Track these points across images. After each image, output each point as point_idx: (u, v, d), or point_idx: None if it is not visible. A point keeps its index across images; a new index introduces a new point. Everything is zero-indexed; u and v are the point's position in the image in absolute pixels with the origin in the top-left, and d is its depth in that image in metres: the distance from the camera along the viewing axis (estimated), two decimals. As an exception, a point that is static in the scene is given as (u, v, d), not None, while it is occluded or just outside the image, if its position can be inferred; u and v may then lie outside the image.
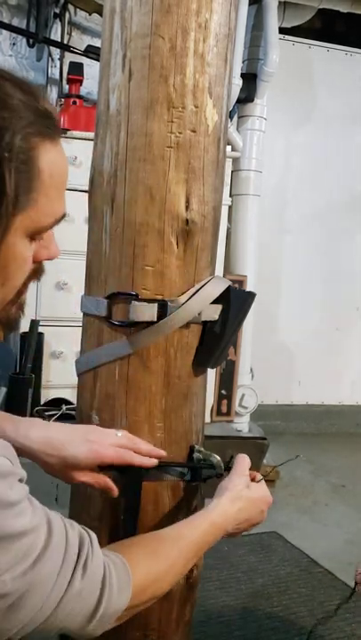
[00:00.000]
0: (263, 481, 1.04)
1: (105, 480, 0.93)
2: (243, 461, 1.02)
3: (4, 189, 0.62)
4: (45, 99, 0.68)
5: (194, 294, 1.01)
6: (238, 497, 0.97)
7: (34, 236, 0.69)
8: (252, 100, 3.33)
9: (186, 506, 1.07)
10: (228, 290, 1.04)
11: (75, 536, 0.72)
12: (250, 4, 3.23)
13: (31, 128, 0.64)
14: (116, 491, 0.94)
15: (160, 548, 0.85)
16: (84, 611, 0.71)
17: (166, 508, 1.02)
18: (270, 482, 3.16)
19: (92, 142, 1.08)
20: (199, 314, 1.01)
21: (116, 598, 0.74)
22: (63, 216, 0.71)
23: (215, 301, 1.03)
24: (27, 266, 0.70)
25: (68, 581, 0.68)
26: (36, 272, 0.74)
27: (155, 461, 0.95)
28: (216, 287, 1.03)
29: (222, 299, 1.03)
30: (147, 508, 1.02)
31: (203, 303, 1.01)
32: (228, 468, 1.04)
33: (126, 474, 0.98)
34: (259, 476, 1.04)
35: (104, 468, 0.95)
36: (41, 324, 2.84)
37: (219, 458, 1.05)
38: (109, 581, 0.73)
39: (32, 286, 0.75)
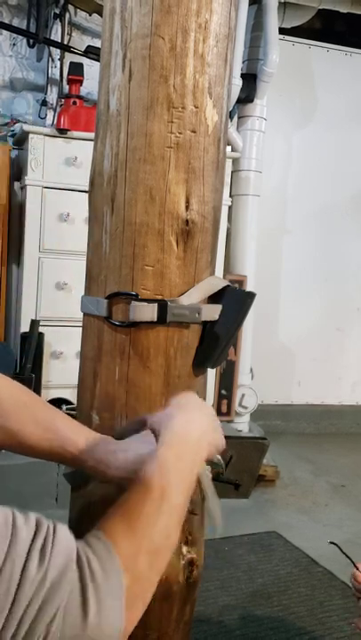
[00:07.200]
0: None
1: None
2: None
3: None
4: None
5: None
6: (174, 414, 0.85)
7: None
8: (251, 101, 3.34)
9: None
10: (227, 290, 1.04)
11: (29, 525, 0.62)
12: (250, 5, 3.24)
13: None
14: None
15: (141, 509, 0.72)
16: (68, 603, 0.61)
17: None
18: (270, 482, 3.17)
19: (92, 142, 1.08)
20: (199, 314, 1.01)
21: (102, 583, 0.63)
22: None
23: (215, 301, 1.03)
24: None
25: (21, 569, 0.59)
26: None
27: None
28: (214, 286, 1.03)
29: (222, 299, 1.03)
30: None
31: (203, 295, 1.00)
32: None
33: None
34: None
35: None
36: (41, 324, 2.84)
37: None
38: (88, 565, 0.63)
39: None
